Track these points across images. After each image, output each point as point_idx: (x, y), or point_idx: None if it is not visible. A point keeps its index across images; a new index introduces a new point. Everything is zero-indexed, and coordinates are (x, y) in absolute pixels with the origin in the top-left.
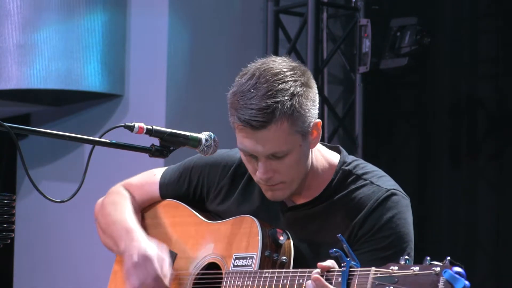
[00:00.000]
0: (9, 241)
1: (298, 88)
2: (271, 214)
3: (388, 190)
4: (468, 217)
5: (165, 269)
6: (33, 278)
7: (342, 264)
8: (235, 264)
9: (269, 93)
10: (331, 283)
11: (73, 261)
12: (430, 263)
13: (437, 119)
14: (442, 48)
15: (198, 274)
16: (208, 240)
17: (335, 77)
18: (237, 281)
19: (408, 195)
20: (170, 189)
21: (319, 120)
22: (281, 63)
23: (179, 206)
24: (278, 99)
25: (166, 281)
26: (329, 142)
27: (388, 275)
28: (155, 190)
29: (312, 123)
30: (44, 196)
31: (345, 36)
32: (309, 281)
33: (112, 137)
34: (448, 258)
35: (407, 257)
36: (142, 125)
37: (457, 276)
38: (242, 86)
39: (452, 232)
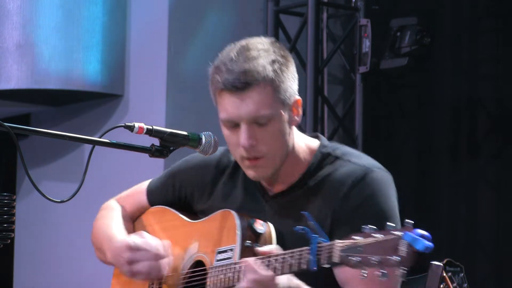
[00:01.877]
0: (9, 241)
1: (279, 58)
2: (255, 205)
3: (366, 167)
4: (468, 217)
5: (155, 247)
6: (33, 278)
7: (310, 242)
8: (218, 258)
9: (251, 57)
10: (291, 265)
11: (73, 261)
12: (391, 228)
13: (437, 119)
14: (442, 48)
15: (187, 273)
16: (193, 239)
17: (335, 77)
18: (220, 275)
19: (408, 194)
20: (156, 196)
21: (299, 98)
22: (262, 38)
23: (166, 211)
24: (260, 62)
25: (163, 258)
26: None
27: (353, 246)
28: (143, 198)
29: (292, 97)
30: (44, 196)
31: (345, 36)
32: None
33: (112, 137)
34: (407, 220)
35: (370, 226)
36: (142, 125)
37: (417, 237)
38: (224, 56)
39: (452, 232)
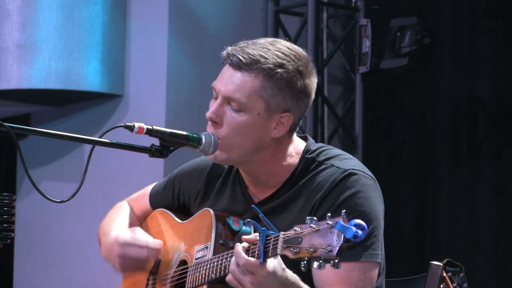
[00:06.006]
0: (9, 241)
1: (292, 69)
2: (240, 211)
3: (346, 170)
4: (468, 217)
5: (144, 241)
6: (33, 278)
7: (259, 235)
8: (197, 256)
9: (266, 49)
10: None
11: (73, 261)
12: (328, 217)
13: (437, 119)
14: (442, 48)
15: (174, 273)
16: (180, 239)
17: (335, 77)
18: (196, 273)
19: (408, 195)
20: (158, 200)
21: (292, 117)
22: (296, 47)
23: (164, 213)
24: (269, 56)
25: (150, 250)
26: (329, 142)
27: (294, 236)
28: (147, 203)
29: (282, 110)
30: (44, 196)
31: (345, 36)
32: (233, 257)
33: (112, 137)
34: (344, 211)
35: (314, 217)
36: (142, 125)
37: (347, 226)
38: (251, 39)
39: (452, 232)
